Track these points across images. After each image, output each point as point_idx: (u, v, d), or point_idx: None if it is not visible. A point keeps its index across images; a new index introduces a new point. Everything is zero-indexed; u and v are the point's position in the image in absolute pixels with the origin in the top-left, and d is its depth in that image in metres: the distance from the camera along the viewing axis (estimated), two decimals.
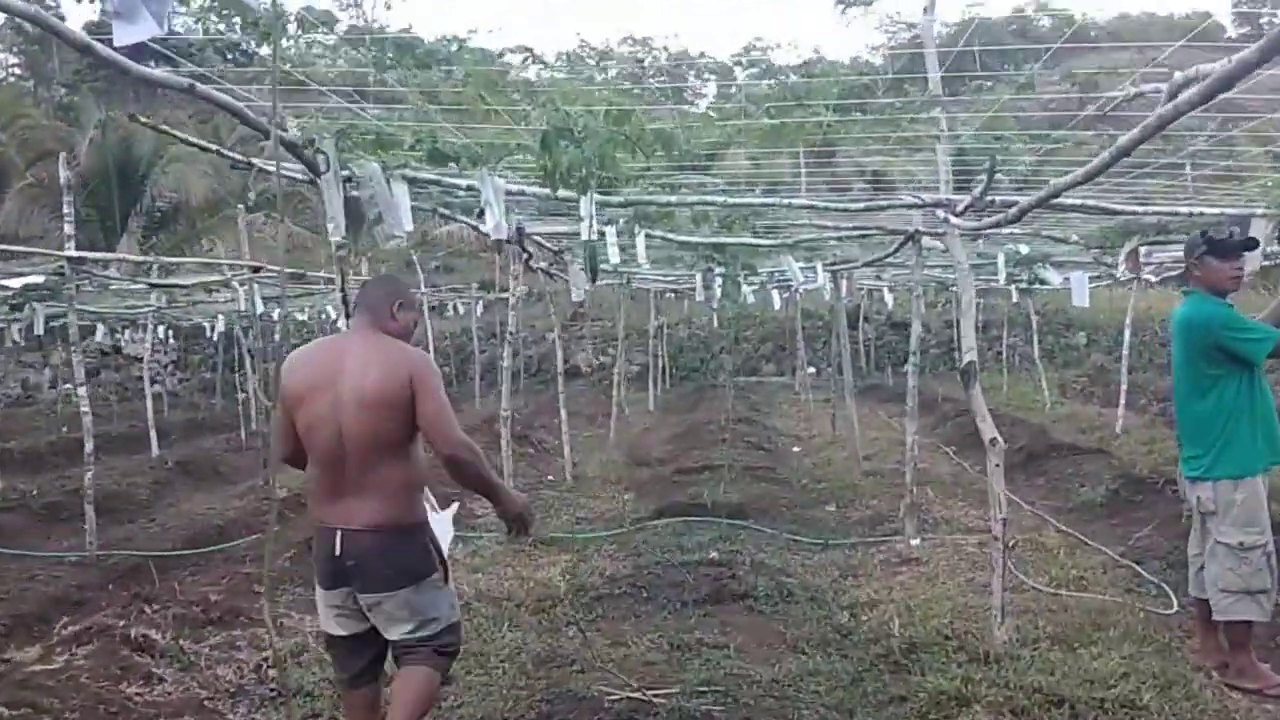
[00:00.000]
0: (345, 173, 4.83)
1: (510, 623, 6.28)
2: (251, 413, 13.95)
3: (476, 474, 3.92)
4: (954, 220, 5.31)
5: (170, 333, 22.87)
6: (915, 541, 8.26)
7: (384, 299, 4.08)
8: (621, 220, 7.56)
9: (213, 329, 21.63)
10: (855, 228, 8.56)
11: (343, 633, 4.01)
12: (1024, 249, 9.67)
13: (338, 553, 3.81)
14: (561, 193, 5.36)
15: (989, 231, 6.82)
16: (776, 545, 8.24)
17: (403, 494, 3.90)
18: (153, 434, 15.66)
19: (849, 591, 6.92)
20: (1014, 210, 4.12)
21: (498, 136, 5.09)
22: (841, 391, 15.08)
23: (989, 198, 5.21)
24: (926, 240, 8.33)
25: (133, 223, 28.63)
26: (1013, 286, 16.44)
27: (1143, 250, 8.53)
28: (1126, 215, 6.86)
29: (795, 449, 14.71)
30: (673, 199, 5.89)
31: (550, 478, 12.21)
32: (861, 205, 6.11)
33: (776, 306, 20.05)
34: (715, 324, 26.83)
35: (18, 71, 47.21)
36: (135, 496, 11.90)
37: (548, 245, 9.73)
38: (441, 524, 4.21)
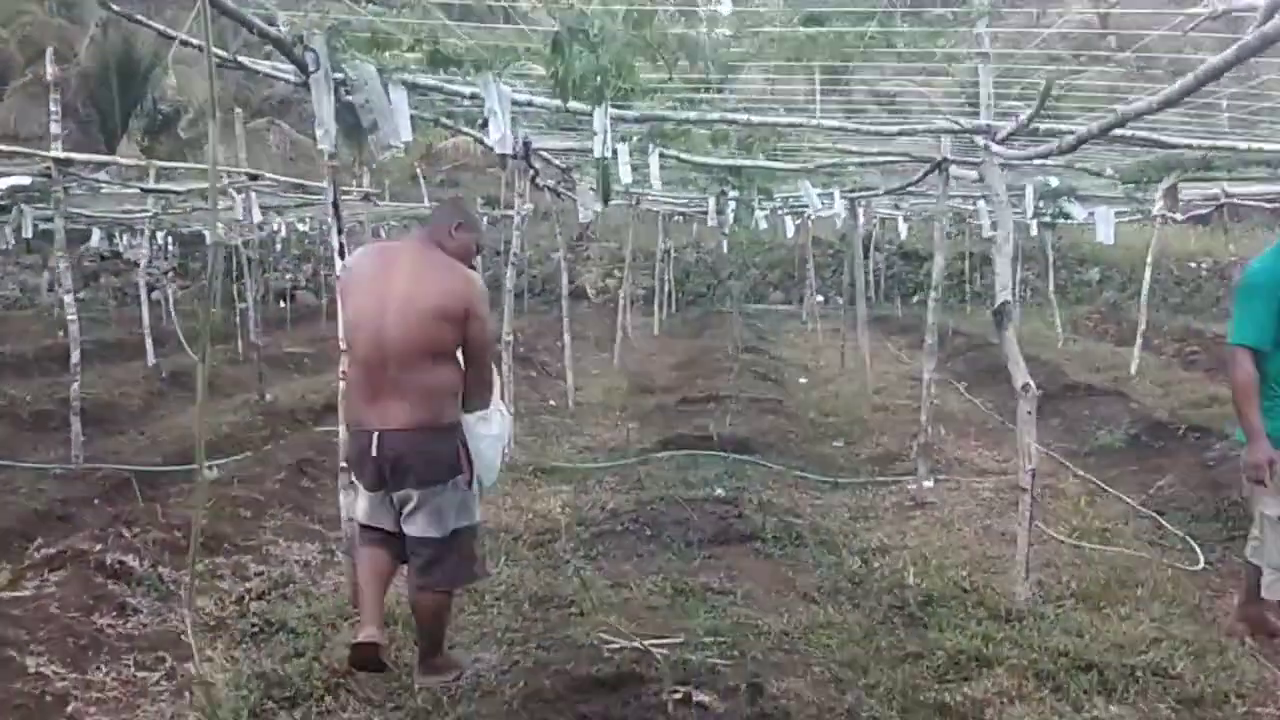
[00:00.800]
0: (339, 75, 4.44)
1: (508, 556, 6.01)
2: (250, 324, 13.56)
3: (483, 403, 4.22)
4: (996, 148, 4.92)
5: (169, 239, 22.37)
6: (928, 483, 7.97)
7: (445, 217, 4.28)
8: (635, 138, 7.15)
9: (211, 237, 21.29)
10: (880, 153, 8.13)
11: (369, 523, 4.22)
12: (1054, 181, 9.26)
13: (374, 453, 3.97)
14: (573, 105, 4.98)
15: (1025, 162, 6.42)
16: (784, 483, 7.96)
17: (439, 396, 4.04)
18: (148, 342, 15.33)
19: (860, 535, 6.64)
20: (1069, 139, 3.73)
21: (504, 39, 4.68)
22: (853, 322, 14.77)
23: (1035, 125, 4.81)
24: (953, 169, 7.92)
25: (133, 124, 28.03)
26: (1033, 220, 15.95)
27: (1180, 187, 8.12)
28: (1182, 148, 6.44)
29: (803, 380, 14.39)
30: (692, 115, 5.47)
31: (552, 403, 11.90)
32: (895, 129, 5.71)
33: (790, 234, 19.58)
34: (724, 249, 26.38)
35: None
36: (127, 407, 11.63)
37: (555, 162, 9.31)
38: (501, 426, 4.37)
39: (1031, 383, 5.05)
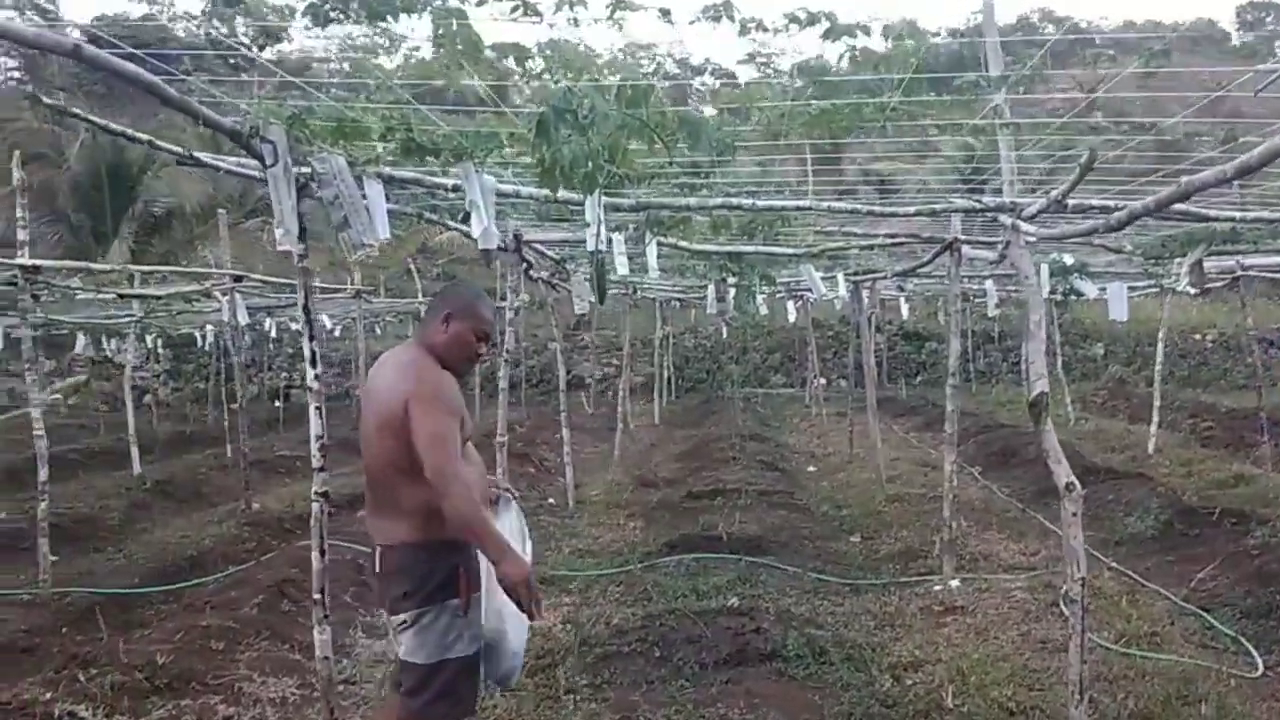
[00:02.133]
0: (305, 169, 4.05)
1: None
2: (240, 427, 13.05)
3: (463, 519, 3.50)
4: (1026, 227, 4.52)
5: (159, 342, 22.00)
6: (955, 583, 7.46)
7: (438, 308, 3.87)
8: (631, 226, 6.78)
9: (203, 338, 20.90)
10: (887, 235, 7.76)
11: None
12: (1068, 259, 8.91)
13: (377, 569, 3.76)
14: (563, 194, 4.60)
15: (1055, 242, 6.03)
16: (802, 587, 7.42)
17: (420, 513, 3.62)
18: (134, 450, 14.84)
19: (889, 648, 6.10)
20: (1120, 215, 3.33)
21: (485, 124, 4.30)
22: (862, 407, 14.32)
23: (1066, 201, 4.41)
24: (965, 250, 7.54)
25: (125, 228, 27.82)
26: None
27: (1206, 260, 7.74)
28: (1216, 220, 6.05)
29: (810, 468, 13.90)
30: (692, 201, 5.07)
31: (551, 501, 11.39)
32: (912, 209, 5.33)
33: (792, 318, 19.22)
34: (723, 333, 26.05)
35: (16, 75, 46.55)
36: (106, 521, 11.08)
37: (549, 254, 8.93)
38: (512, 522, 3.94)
39: (1076, 482, 4.57)
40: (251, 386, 27.90)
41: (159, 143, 4.60)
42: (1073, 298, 11.24)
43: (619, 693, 5.35)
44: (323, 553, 4.53)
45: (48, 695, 4.83)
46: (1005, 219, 4.70)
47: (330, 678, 4.56)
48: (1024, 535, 9.14)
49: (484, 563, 3.68)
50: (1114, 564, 7.98)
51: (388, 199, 4.69)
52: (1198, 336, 25.26)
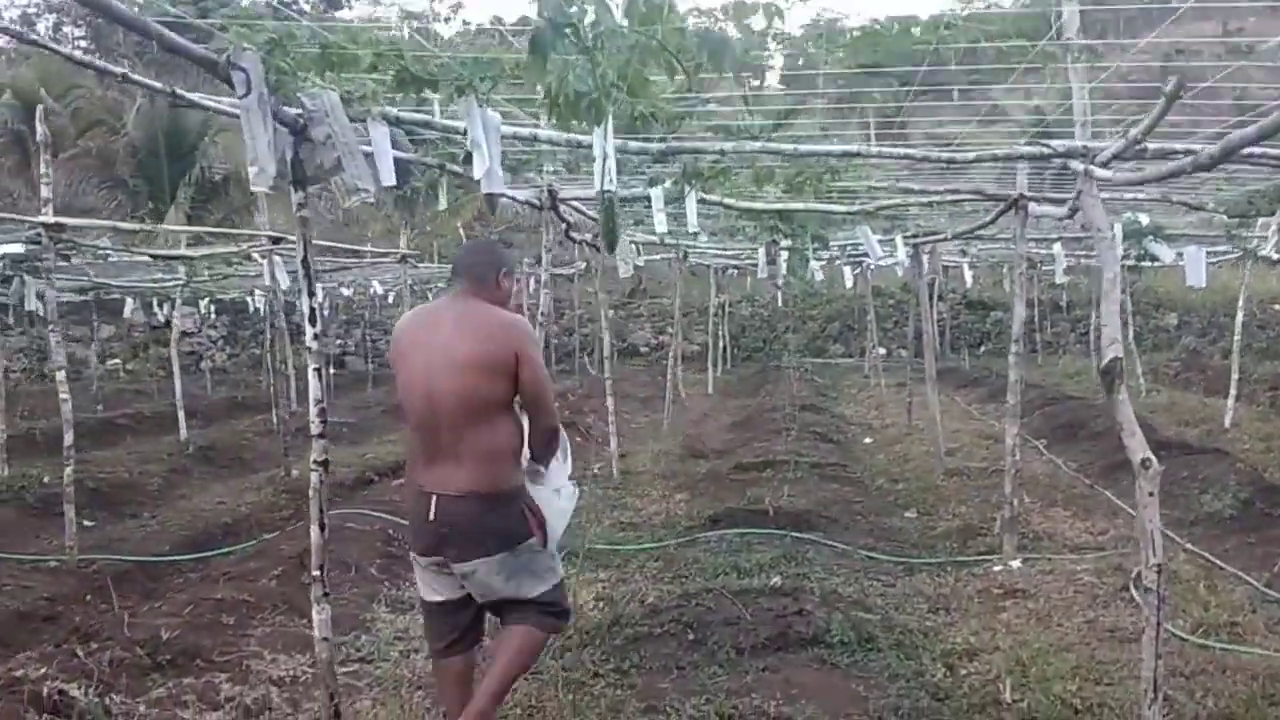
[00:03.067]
0: (296, 110, 3.68)
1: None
2: (284, 393, 12.83)
3: (549, 455, 4.01)
4: (1100, 173, 4.03)
5: (212, 308, 21.94)
6: (1016, 564, 6.99)
7: (489, 266, 4.02)
8: (669, 181, 6.35)
9: (254, 304, 20.79)
10: (948, 190, 7.24)
11: (439, 598, 3.99)
12: (1144, 218, 8.33)
13: (432, 518, 3.80)
14: (586, 138, 4.18)
15: (1131, 190, 5.51)
16: (851, 566, 6.99)
17: (497, 459, 3.83)
18: (180, 415, 14.70)
19: (943, 634, 5.66)
20: (1211, 151, 2.86)
21: (486, 50, 3.88)
22: (922, 377, 13.79)
23: (1144, 145, 3.92)
24: (1031, 208, 7.02)
25: (181, 194, 27.86)
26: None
27: None
28: None
29: (867, 440, 13.42)
30: (727, 146, 4.59)
31: (596, 470, 11.01)
32: (971, 155, 4.82)
33: (849, 284, 18.64)
34: (780, 302, 25.49)
35: (83, 44, 47.02)
36: (145, 487, 10.93)
37: (589, 213, 8.51)
38: (560, 500, 4.09)
39: (1152, 458, 4.09)
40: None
41: (170, 90, 4.24)
42: (1147, 263, 10.60)
43: (647, 678, 4.98)
44: (322, 527, 4.20)
45: (41, 671, 4.56)
46: (1077, 165, 4.21)
47: (330, 660, 4.24)
48: (1091, 513, 8.62)
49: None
50: (1190, 545, 7.44)
51: (395, 144, 4.31)
52: (1277, 307, 24.22)
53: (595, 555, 7.43)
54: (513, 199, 6.87)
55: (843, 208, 7.26)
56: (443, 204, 6.59)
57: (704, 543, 7.56)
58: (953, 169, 7.47)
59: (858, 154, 4.68)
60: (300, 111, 3.63)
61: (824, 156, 5.27)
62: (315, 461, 4.19)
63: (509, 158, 5.59)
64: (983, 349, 25.78)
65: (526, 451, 4.03)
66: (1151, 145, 4.20)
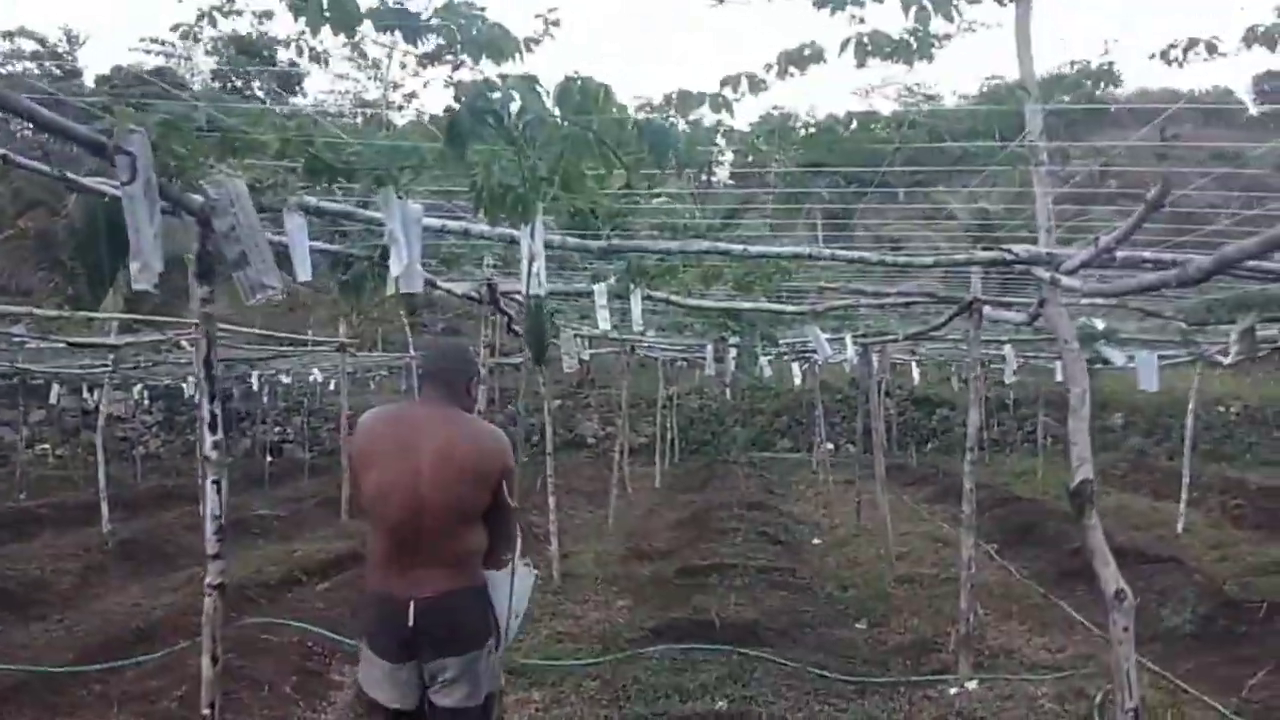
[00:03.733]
0: (202, 198, 3.34)
1: None
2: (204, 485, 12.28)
3: (508, 557, 4.08)
4: (1068, 282, 3.79)
5: (145, 394, 21.29)
6: (973, 684, 6.64)
7: (461, 374, 4.09)
8: (613, 278, 6.08)
9: (190, 390, 20.20)
10: (899, 294, 7.03)
11: (397, 706, 3.90)
12: (1099, 323, 8.17)
13: (410, 623, 3.76)
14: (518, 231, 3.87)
15: (1091, 301, 5.29)
16: (800, 687, 6.59)
17: (472, 561, 3.92)
18: (104, 506, 14.04)
19: None
20: (1195, 267, 2.62)
21: (407, 135, 3.57)
22: (870, 474, 13.53)
23: (1114, 253, 3.68)
24: (986, 311, 6.81)
25: (121, 277, 27.26)
26: (1058, 365, 14.83)
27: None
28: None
29: (815, 541, 13.05)
30: (673, 246, 4.30)
31: (537, 573, 10.52)
32: (929, 259, 4.59)
33: (797, 381, 18.44)
34: (728, 395, 25.29)
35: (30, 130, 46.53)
36: (57, 586, 10.31)
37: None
38: (522, 584, 4.15)
39: (1127, 590, 3.79)
40: (245, 440, 27.20)
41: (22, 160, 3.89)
42: (1097, 366, 10.45)
43: None
44: (215, 659, 3.75)
45: None
46: (1042, 273, 3.97)
47: None
48: (1048, 627, 8.31)
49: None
50: (1152, 665, 7.13)
51: (323, 236, 3.98)
52: (1221, 409, 24.36)
53: (530, 671, 6.98)
54: (450, 292, 6.55)
55: (792, 308, 7.02)
56: (390, 291, 6.35)
57: (646, 660, 7.13)
58: (902, 271, 7.32)
59: (809, 256, 4.41)
60: (205, 200, 3.30)
61: (774, 258, 5.01)
62: (209, 585, 3.77)
63: (443, 250, 5.29)
64: (930, 446, 25.67)
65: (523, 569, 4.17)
66: (1122, 253, 3.97)
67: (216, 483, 3.80)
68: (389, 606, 3.81)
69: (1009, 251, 4.10)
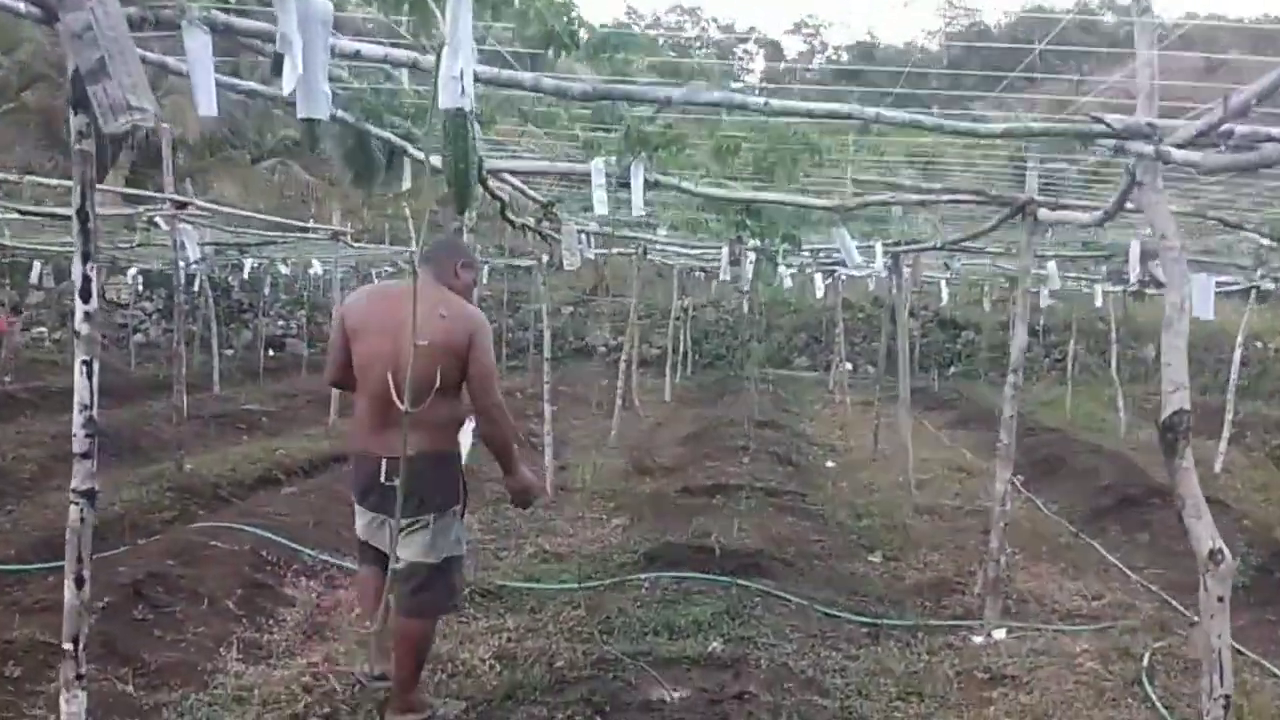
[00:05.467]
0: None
1: None
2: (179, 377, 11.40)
3: (502, 436, 4.42)
4: (1179, 156, 2.93)
5: (139, 279, 20.53)
6: (1000, 634, 5.90)
7: (449, 257, 4.50)
8: (610, 154, 5.21)
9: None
10: (945, 190, 6.14)
11: (372, 543, 4.45)
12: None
13: (382, 479, 4.19)
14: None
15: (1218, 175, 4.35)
16: (805, 628, 5.86)
17: (443, 428, 4.25)
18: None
19: None
20: None
21: None
22: (891, 397, 12.75)
23: (1233, 126, 2.81)
24: (1044, 214, 5.93)
25: (123, 158, 26.42)
26: (1098, 288, 13.93)
27: None
28: None
29: (829, 464, 12.33)
30: (675, 94, 3.39)
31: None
32: (1000, 127, 3.71)
33: (819, 294, 17.55)
34: (745, 308, 24.41)
35: None
36: (16, 475, 9.64)
37: (529, 192, 7.34)
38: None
39: (1225, 550, 3.00)
40: (246, 332, 26.50)
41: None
42: (1150, 291, 9.58)
43: None
44: (79, 581, 3.01)
45: None
46: (1143, 147, 3.11)
47: None
48: (1081, 570, 7.56)
49: None
50: (1196, 617, 6.36)
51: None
52: (1259, 344, 23.34)
53: (506, 594, 6.28)
54: (426, 164, 5.68)
55: (820, 203, 6.14)
56: (406, 184, 5.69)
57: (636, 587, 6.40)
58: (939, 170, 6.49)
59: (848, 116, 3.53)
60: None
61: (804, 120, 4.12)
62: (76, 492, 3.00)
63: (407, 104, 4.44)
64: (952, 370, 24.81)
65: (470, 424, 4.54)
66: (1241, 128, 3.11)
67: (87, 364, 3.02)
68: (366, 461, 4.30)
69: (1100, 120, 3.24)
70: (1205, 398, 19.78)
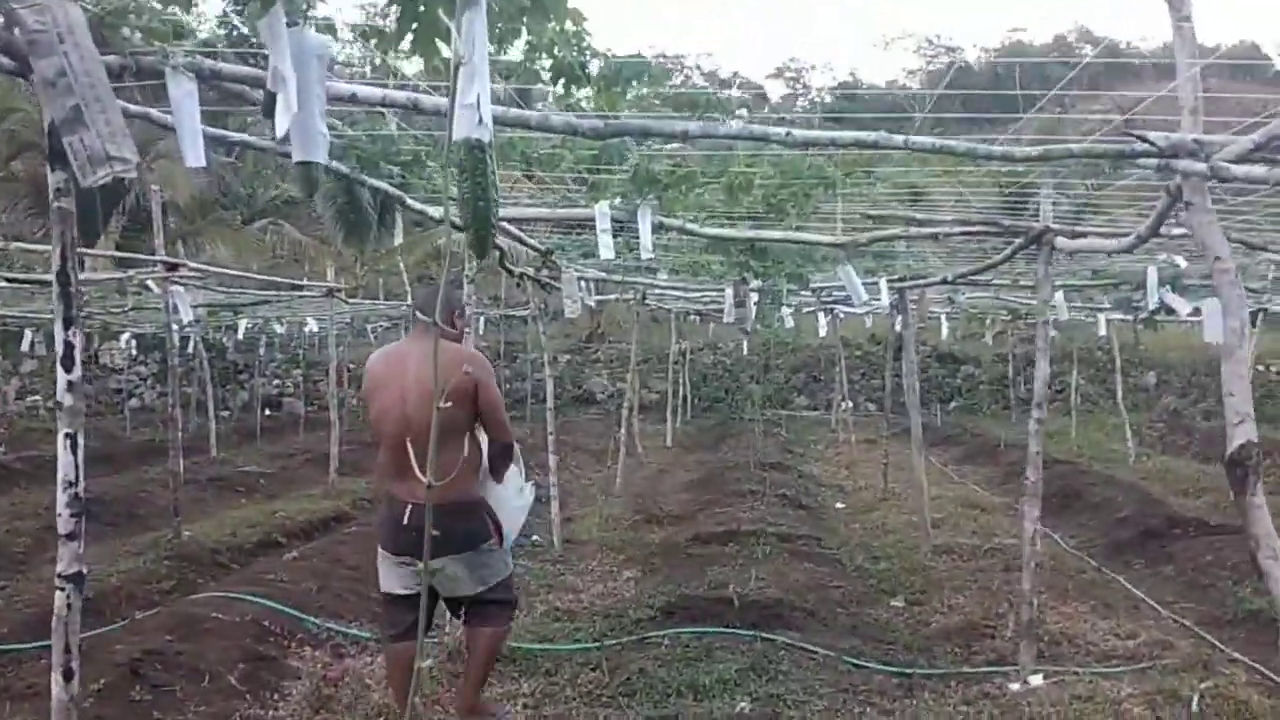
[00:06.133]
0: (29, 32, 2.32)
1: None
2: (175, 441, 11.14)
3: (506, 458, 4.83)
4: (1236, 170, 2.76)
5: (134, 342, 20.31)
6: (1037, 679, 5.65)
7: (445, 307, 4.71)
8: (617, 196, 5.03)
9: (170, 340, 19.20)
10: (957, 222, 5.97)
11: (399, 591, 4.70)
12: (1181, 261, 7.12)
13: (405, 522, 4.51)
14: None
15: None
16: (834, 681, 5.61)
17: (461, 473, 4.44)
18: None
19: None
20: None
21: None
22: (895, 433, 12.55)
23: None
24: (1062, 242, 5.76)
25: (114, 223, 26.31)
26: (1102, 317, 13.76)
27: None
28: None
29: (839, 505, 12.10)
30: (694, 127, 3.21)
31: (536, 539, 9.55)
32: (1036, 151, 3.51)
33: (823, 332, 17.36)
34: (744, 350, 24.23)
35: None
36: (9, 549, 9.39)
37: (528, 240, 7.16)
38: (520, 498, 4.96)
39: None
40: (242, 393, 26.25)
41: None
42: (1160, 316, 9.40)
43: None
44: (68, 674, 2.77)
45: None
46: (1192, 165, 2.92)
47: None
48: (1110, 608, 7.31)
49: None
50: (1240, 655, 6.13)
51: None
52: (1260, 368, 23.19)
53: (519, 657, 6.02)
54: (424, 215, 5.50)
55: (830, 239, 5.96)
56: (398, 240, 5.59)
57: (654, 645, 6.15)
58: (927, 204, 6.33)
59: (873, 144, 3.35)
60: (21, 32, 2.29)
61: (828, 146, 3.94)
62: (62, 576, 2.78)
63: (404, 152, 4.25)
64: (953, 404, 24.61)
65: (486, 464, 4.76)
66: None
67: (71, 437, 2.80)
68: (391, 507, 4.63)
69: (1143, 139, 3.06)
70: (1209, 423, 19.67)
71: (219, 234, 26.62)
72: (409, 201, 4.66)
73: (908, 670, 5.90)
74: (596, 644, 6.23)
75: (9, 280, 8.82)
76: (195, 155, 2.89)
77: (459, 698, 4.82)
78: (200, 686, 5.26)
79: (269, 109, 2.54)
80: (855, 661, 5.95)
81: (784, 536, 9.19)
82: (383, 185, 4.81)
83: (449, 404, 4.21)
